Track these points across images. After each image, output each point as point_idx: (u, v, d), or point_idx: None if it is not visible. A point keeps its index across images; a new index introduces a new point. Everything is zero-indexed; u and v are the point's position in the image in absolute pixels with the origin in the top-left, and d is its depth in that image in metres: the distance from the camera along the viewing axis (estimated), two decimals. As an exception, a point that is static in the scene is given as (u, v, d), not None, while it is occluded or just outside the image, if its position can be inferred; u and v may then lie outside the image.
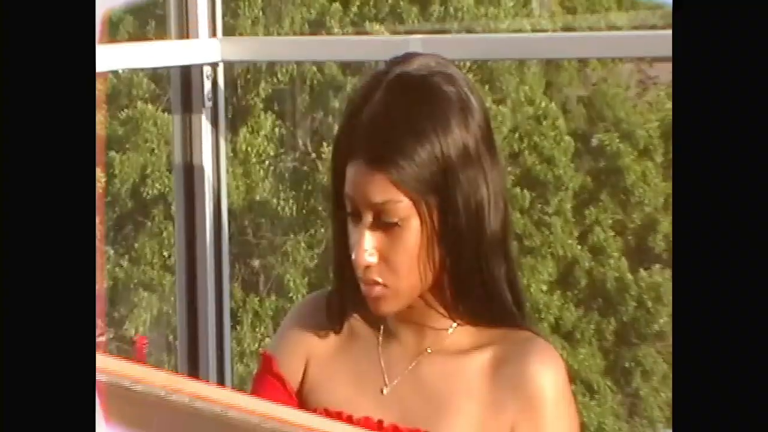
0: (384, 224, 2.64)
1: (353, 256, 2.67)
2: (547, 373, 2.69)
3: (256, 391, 2.88)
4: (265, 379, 2.88)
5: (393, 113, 2.64)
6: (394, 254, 2.66)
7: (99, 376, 2.18)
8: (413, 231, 2.65)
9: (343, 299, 2.82)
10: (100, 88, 18.24)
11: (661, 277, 18.31)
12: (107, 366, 2.15)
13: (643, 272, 18.33)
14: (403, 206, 2.63)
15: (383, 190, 2.62)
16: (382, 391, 2.78)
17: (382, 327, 2.81)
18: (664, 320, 18.04)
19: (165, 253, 17.16)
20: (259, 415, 2.09)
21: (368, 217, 2.64)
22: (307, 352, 2.88)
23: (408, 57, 2.74)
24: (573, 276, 18.23)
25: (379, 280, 2.66)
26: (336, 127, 2.84)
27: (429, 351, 2.75)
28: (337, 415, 2.80)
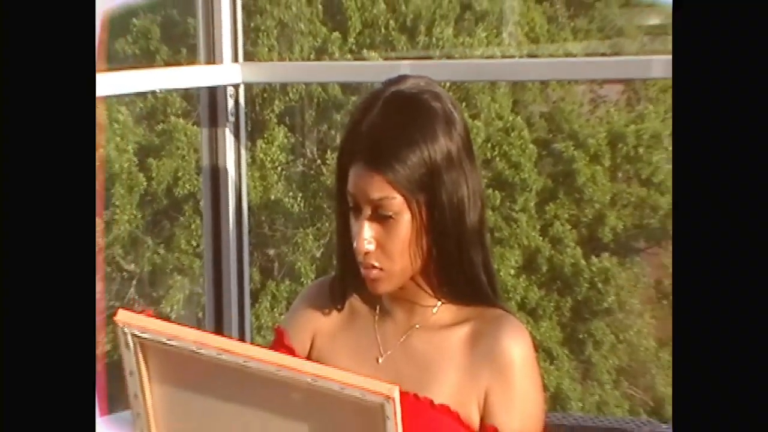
0: (380, 217, 2.65)
1: (355, 244, 2.67)
2: (516, 344, 2.68)
3: None
4: (277, 350, 2.81)
5: (389, 124, 2.65)
6: (389, 242, 2.66)
7: (141, 333, 2.21)
8: (405, 223, 2.65)
9: (345, 282, 2.82)
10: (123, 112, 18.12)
11: (609, 263, 18.15)
12: (149, 325, 2.20)
13: (594, 259, 18.17)
14: (396, 202, 2.63)
15: (380, 188, 2.62)
16: (377, 360, 2.77)
17: (378, 306, 2.81)
18: (611, 299, 17.90)
19: (194, 243, 17.04)
20: (275, 364, 2.16)
21: (367, 211, 2.64)
22: (314, 328, 2.87)
23: (401, 78, 2.74)
24: (536, 263, 18.13)
25: (376, 264, 2.66)
26: (338, 138, 2.86)
27: (417, 327, 2.75)
28: None
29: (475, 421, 2.70)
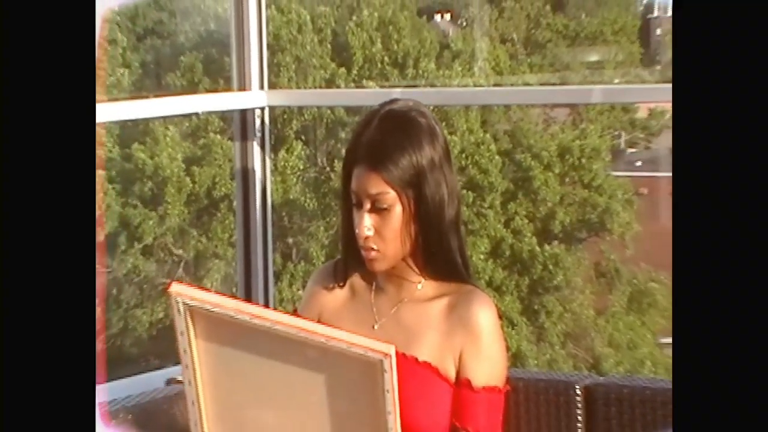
0: (377, 209, 2.68)
1: (357, 231, 2.70)
2: (485, 313, 2.72)
3: None
4: None
5: (384, 135, 2.68)
6: (384, 229, 2.69)
7: (189, 302, 2.26)
8: (397, 214, 2.69)
9: (347, 264, 2.83)
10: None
11: (558, 249, 18.19)
12: (196, 295, 2.26)
13: (546, 246, 18.20)
14: (390, 196, 2.67)
15: (378, 185, 2.66)
16: (373, 327, 2.78)
17: (374, 283, 2.83)
18: (560, 278, 17.92)
19: (228, 234, 17.06)
20: (296, 327, 2.25)
21: (367, 205, 2.68)
22: (320, 306, 2.88)
23: (394, 100, 2.79)
24: (500, 249, 18.13)
25: (374, 247, 2.70)
26: (344, 150, 2.86)
27: (405, 300, 2.78)
28: None
29: (451, 374, 2.71)
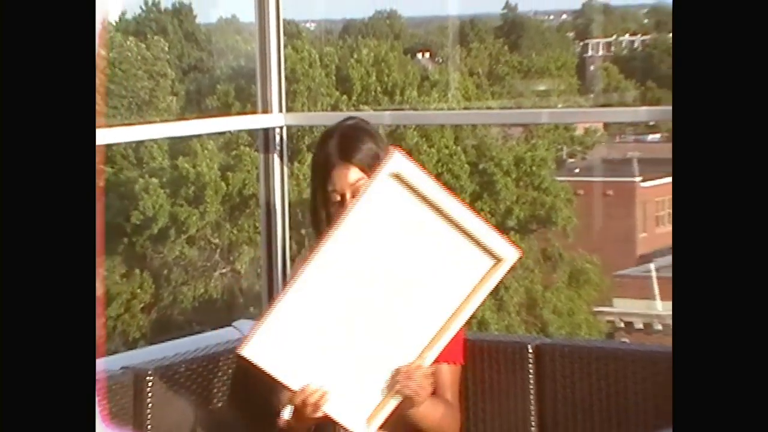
0: (355, 195, 2.44)
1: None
2: None
3: None
4: None
5: (351, 137, 2.53)
6: None
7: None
8: None
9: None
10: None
11: (515, 238, 18.15)
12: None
13: (505, 233, 18.30)
14: (364, 181, 2.46)
15: (355, 173, 2.47)
16: None
17: None
18: (523, 267, 18.02)
19: (255, 226, 17.07)
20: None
21: (348, 194, 2.45)
22: None
23: (348, 118, 2.65)
24: (469, 238, 18.25)
25: None
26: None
27: None
28: None
29: None
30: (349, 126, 2.58)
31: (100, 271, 18.41)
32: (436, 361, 2.45)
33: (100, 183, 18.72)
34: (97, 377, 2.42)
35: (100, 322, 18.04)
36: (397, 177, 2.26)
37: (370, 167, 2.50)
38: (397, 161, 2.24)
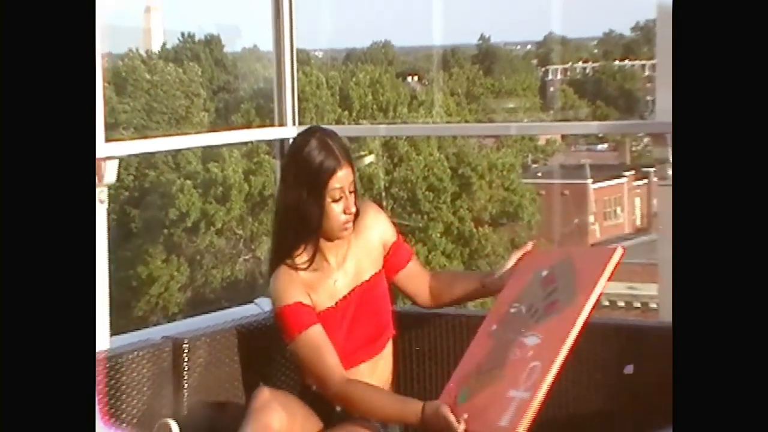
0: (352, 193, 2.24)
1: (343, 215, 2.23)
2: (367, 207, 2.39)
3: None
4: (309, 316, 2.22)
5: (337, 142, 2.25)
6: (353, 204, 2.23)
7: None
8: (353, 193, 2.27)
9: (316, 247, 2.27)
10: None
11: (487, 230, 18.25)
12: None
13: (480, 228, 18.23)
14: (356, 177, 2.28)
15: (352, 173, 2.24)
16: (334, 289, 2.29)
17: (336, 255, 2.32)
18: (488, 249, 17.93)
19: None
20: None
21: (347, 191, 2.22)
22: (306, 288, 2.26)
23: (311, 127, 2.38)
24: (450, 230, 18.09)
25: (352, 210, 2.21)
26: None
27: (348, 265, 2.31)
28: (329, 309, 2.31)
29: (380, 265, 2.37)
30: (328, 135, 2.31)
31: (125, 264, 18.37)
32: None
33: (144, 184, 18.74)
34: (141, 344, 2.46)
35: (144, 299, 18.02)
36: None
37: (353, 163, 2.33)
38: (619, 254, 2.17)
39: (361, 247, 2.36)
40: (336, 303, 2.31)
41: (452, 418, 2.12)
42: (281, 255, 2.28)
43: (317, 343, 2.23)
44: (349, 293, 2.32)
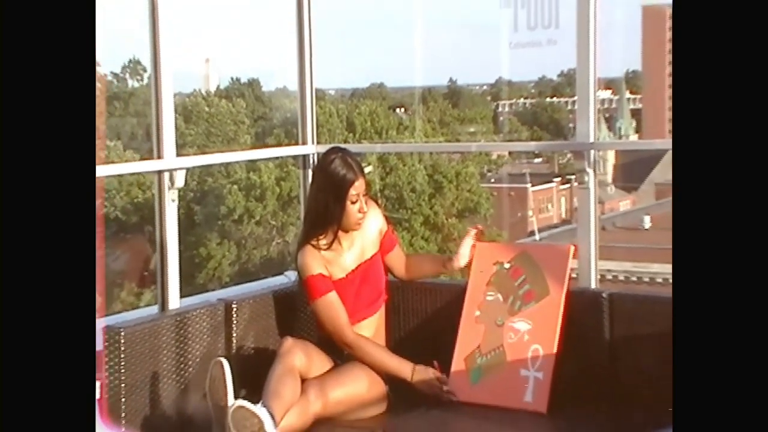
0: (365, 197, 2.30)
1: (358, 212, 2.27)
2: (373, 210, 2.37)
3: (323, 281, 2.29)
4: (325, 283, 2.28)
5: (354, 160, 2.29)
6: (365, 204, 2.29)
7: None
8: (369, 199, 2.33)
9: (336, 233, 2.29)
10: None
11: (455, 221, 18.16)
12: None
13: (449, 220, 18.20)
14: (366, 187, 2.31)
15: (365, 182, 2.29)
16: (346, 265, 2.30)
17: (348, 240, 2.33)
18: (455, 235, 17.78)
19: (298, 213, 16.98)
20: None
21: (362, 195, 2.28)
22: (325, 262, 2.29)
23: (334, 147, 2.36)
24: (428, 221, 18.05)
25: (365, 210, 2.28)
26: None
27: (355, 248, 2.34)
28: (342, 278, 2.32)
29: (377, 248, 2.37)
30: (348, 154, 2.33)
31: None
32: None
33: (203, 188, 18.71)
34: (202, 305, 2.38)
35: (203, 272, 17.98)
36: None
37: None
38: (572, 251, 2.08)
39: (365, 234, 2.37)
40: (346, 275, 2.34)
41: (437, 377, 2.17)
42: (308, 239, 2.32)
43: (333, 305, 2.28)
44: (356, 268, 2.35)
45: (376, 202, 2.43)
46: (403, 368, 2.29)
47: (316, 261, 2.31)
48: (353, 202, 2.30)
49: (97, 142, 1.24)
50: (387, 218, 2.45)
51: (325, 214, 2.30)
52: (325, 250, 2.32)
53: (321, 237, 2.32)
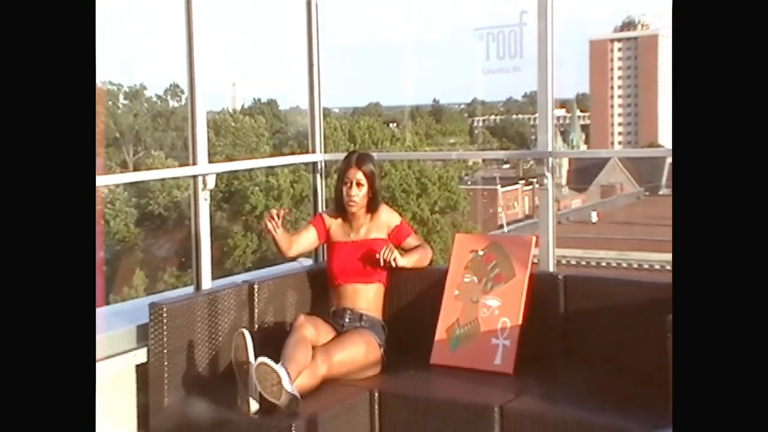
0: (358, 185, 2.39)
1: (352, 199, 2.38)
2: (385, 209, 2.44)
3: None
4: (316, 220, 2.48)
5: (362, 159, 2.41)
6: (361, 195, 2.39)
7: None
8: (365, 188, 2.39)
9: (340, 210, 2.44)
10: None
11: (438, 216, 18.11)
12: None
13: (433, 215, 18.15)
14: (362, 178, 2.38)
15: (360, 173, 2.38)
16: (350, 236, 2.42)
17: (352, 223, 2.43)
18: (439, 228, 17.82)
19: (309, 212, 16.97)
20: None
21: (354, 183, 2.38)
22: (330, 224, 2.45)
23: (354, 150, 2.51)
24: (415, 216, 18.01)
25: (356, 200, 2.40)
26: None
27: (362, 229, 2.42)
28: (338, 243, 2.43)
29: (385, 235, 2.43)
30: (359, 153, 2.46)
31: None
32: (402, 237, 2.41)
33: (230, 189, 18.66)
34: (229, 285, 2.38)
35: (231, 258, 17.94)
36: None
37: (366, 174, 2.41)
38: (534, 241, 2.07)
39: (373, 224, 2.44)
40: (347, 241, 2.43)
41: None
42: (333, 207, 2.48)
43: (304, 229, 2.47)
44: (357, 240, 2.41)
45: (389, 207, 2.51)
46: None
47: (323, 215, 2.50)
48: (346, 186, 2.40)
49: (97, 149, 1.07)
50: (404, 219, 2.49)
51: (337, 192, 2.45)
52: (335, 218, 2.46)
53: (336, 206, 2.46)
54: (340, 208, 2.45)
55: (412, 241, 2.47)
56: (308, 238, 2.48)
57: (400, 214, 2.53)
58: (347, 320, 2.33)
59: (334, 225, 2.48)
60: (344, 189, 2.42)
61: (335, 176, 2.55)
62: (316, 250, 2.81)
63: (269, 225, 2.31)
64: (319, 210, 3.28)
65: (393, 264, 2.35)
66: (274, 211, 2.32)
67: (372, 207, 2.44)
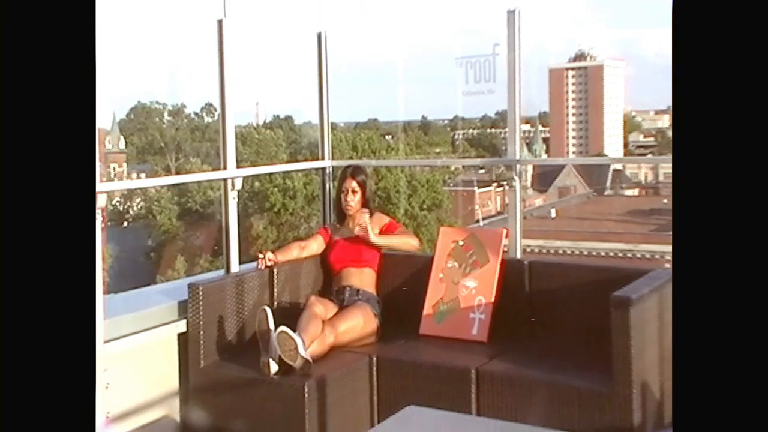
0: (353, 192, 2.40)
1: (349, 204, 2.39)
2: (378, 214, 2.43)
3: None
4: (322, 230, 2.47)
5: (356, 171, 2.42)
6: (356, 201, 2.42)
7: None
8: (359, 194, 2.41)
9: (340, 217, 2.46)
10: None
11: (425, 213, 18.05)
12: None
13: (421, 211, 18.13)
14: (356, 186, 2.39)
15: (354, 183, 2.40)
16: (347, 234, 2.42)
17: (352, 222, 2.42)
18: (427, 222, 17.77)
19: (319, 209, 16.92)
20: None
21: (350, 191, 2.40)
22: (332, 232, 2.45)
23: (351, 164, 2.48)
24: (406, 213, 17.95)
25: (352, 205, 2.43)
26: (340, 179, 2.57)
27: (358, 228, 2.38)
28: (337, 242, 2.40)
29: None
30: (355, 166, 2.50)
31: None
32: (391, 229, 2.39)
33: (254, 189, 18.63)
34: (253, 269, 2.34)
35: (254, 247, 17.92)
36: None
37: (360, 182, 2.44)
38: (505, 233, 2.04)
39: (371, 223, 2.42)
40: (345, 238, 2.44)
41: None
42: (334, 217, 2.51)
43: (309, 238, 2.44)
44: (351, 237, 2.42)
45: (381, 212, 2.48)
46: None
47: (327, 228, 2.50)
48: (343, 193, 2.45)
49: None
50: (393, 219, 2.47)
51: (338, 198, 2.48)
52: (333, 229, 2.47)
53: (335, 219, 2.47)
54: (339, 213, 2.48)
55: (399, 233, 2.49)
56: (314, 247, 2.49)
57: (393, 217, 2.56)
58: (347, 295, 2.37)
59: (336, 234, 2.49)
60: (342, 197, 2.46)
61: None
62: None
63: (268, 264, 2.32)
64: (326, 206, 3.25)
65: (366, 237, 2.34)
66: (262, 257, 2.31)
67: (366, 209, 2.46)
